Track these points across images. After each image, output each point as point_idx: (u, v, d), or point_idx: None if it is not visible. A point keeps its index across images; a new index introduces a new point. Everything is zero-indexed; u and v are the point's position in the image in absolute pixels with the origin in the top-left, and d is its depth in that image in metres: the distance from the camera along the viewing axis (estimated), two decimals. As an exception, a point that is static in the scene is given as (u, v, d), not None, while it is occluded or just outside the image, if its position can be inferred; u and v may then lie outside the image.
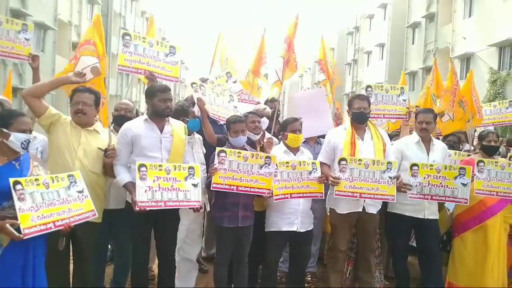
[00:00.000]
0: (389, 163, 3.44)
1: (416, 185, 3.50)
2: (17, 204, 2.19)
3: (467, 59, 18.92)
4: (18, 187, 2.22)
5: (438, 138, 4.30)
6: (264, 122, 4.09)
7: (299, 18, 4.48)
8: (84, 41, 3.64)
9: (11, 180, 2.20)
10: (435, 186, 3.50)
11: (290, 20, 4.59)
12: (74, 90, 3.08)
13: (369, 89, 4.25)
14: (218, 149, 3.29)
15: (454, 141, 4.57)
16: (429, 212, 3.68)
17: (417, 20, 23.72)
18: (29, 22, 3.79)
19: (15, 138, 2.31)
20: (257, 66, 4.80)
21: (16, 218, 2.19)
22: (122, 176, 3.04)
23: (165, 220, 3.12)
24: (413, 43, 24.95)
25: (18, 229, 2.17)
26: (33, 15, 17.62)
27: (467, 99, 4.71)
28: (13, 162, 2.36)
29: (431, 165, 3.52)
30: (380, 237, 4.01)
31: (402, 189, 3.48)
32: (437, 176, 3.49)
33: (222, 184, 3.24)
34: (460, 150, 4.58)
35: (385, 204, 3.79)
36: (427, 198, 3.52)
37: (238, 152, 3.30)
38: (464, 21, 19.13)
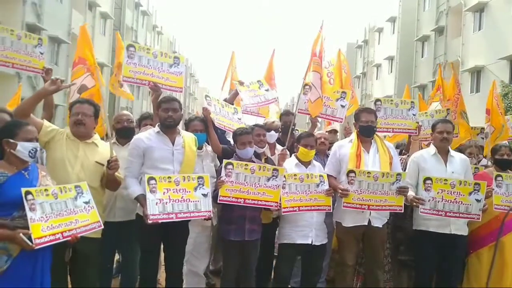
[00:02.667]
0: (398, 174, 3.42)
1: (429, 200, 3.41)
2: (29, 214, 2.21)
3: (477, 73, 18.80)
4: (29, 197, 2.25)
5: None
6: (272, 135, 4.10)
7: (324, 28, 4.22)
8: (77, 60, 3.66)
9: (23, 190, 2.23)
10: (449, 201, 3.40)
11: (314, 33, 4.33)
12: (74, 101, 3.10)
13: (378, 102, 4.25)
14: (225, 161, 3.29)
15: (471, 154, 4.45)
16: (456, 227, 3.53)
17: (426, 34, 23.71)
18: (44, 36, 3.87)
19: (22, 148, 2.33)
20: (269, 83, 4.81)
21: (26, 228, 2.21)
22: (134, 188, 3.04)
23: (175, 233, 3.12)
24: (422, 57, 24.89)
25: (29, 239, 2.18)
26: (47, 29, 18.07)
27: (491, 111, 4.67)
28: (23, 172, 2.38)
29: (445, 180, 3.43)
30: (390, 252, 3.95)
31: (414, 204, 3.42)
32: (451, 191, 3.40)
33: (229, 196, 3.23)
34: (478, 164, 4.51)
35: (393, 218, 3.74)
36: (440, 214, 3.41)
37: (245, 165, 3.29)
38: (474, 34, 19.07)
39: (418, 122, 4.23)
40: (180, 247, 3.24)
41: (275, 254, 3.90)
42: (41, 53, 3.68)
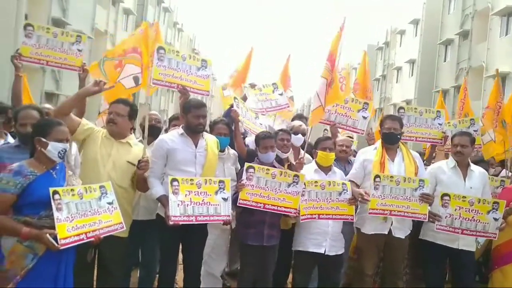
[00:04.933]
0: (421, 180, 3.36)
1: (446, 216, 3.34)
2: (55, 214, 2.24)
3: (502, 79, 18.28)
4: (56, 196, 2.28)
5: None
6: (299, 139, 4.05)
7: (344, 30, 3.84)
8: (131, 49, 3.67)
9: (51, 189, 2.26)
10: (467, 219, 3.34)
11: (332, 34, 3.94)
12: (112, 101, 3.16)
13: (402, 110, 4.16)
14: (246, 164, 3.28)
15: (485, 168, 4.22)
16: (464, 242, 3.49)
17: (450, 37, 23.18)
18: (82, 34, 3.85)
19: (53, 148, 2.36)
20: (283, 86, 4.75)
21: (52, 227, 2.25)
22: (157, 189, 3.07)
23: (194, 235, 3.14)
24: (445, 61, 24.35)
25: (54, 239, 2.22)
26: (72, 24, 18.43)
27: (508, 121, 4.51)
28: (51, 171, 2.42)
29: (464, 197, 3.36)
30: (409, 263, 3.87)
31: (430, 219, 3.35)
32: (469, 209, 3.33)
33: (249, 200, 3.22)
34: (495, 175, 4.39)
35: (416, 230, 3.66)
36: (457, 232, 3.35)
37: (267, 169, 3.28)
38: (500, 39, 18.54)
39: (444, 132, 4.12)
40: (199, 249, 3.26)
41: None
42: (79, 50, 3.68)
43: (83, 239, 2.36)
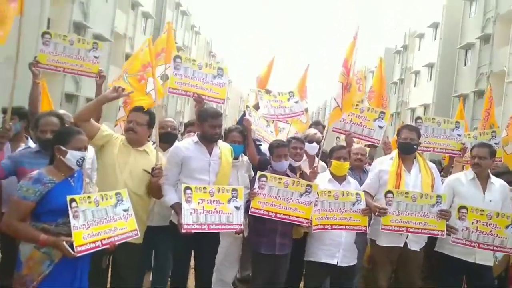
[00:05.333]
0: (438, 196, 3.30)
1: (462, 229, 3.28)
2: (72, 221, 2.29)
3: (524, 85, 17.82)
4: (74, 204, 2.33)
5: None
6: (314, 147, 4.03)
7: (358, 38, 4.00)
8: (147, 64, 3.69)
9: (68, 197, 2.32)
10: (484, 233, 3.26)
11: (347, 41, 4.10)
12: (131, 109, 3.22)
13: (419, 120, 4.09)
14: (259, 173, 3.29)
15: (509, 181, 4.08)
16: (481, 256, 3.40)
17: (471, 41, 22.68)
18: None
19: (72, 156, 2.42)
20: (300, 97, 4.74)
21: (68, 234, 2.30)
22: (170, 196, 3.11)
23: (206, 242, 3.17)
24: (465, 65, 23.86)
25: (70, 246, 2.27)
26: (92, 27, 18.86)
27: None
28: (69, 179, 2.48)
29: (482, 210, 3.28)
30: (421, 275, 3.79)
31: (447, 232, 3.29)
32: (487, 223, 3.26)
33: (260, 209, 3.23)
34: None
35: (431, 242, 3.60)
36: (473, 246, 3.28)
37: (279, 178, 3.28)
38: (524, 44, 18.08)
39: (463, 143, 4.04)
40: (211, 257, 3.28)
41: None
42: (96, 57, 3.76)
43: (98, 246, 2.41)
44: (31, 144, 3.40)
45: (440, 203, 3.27)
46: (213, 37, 44.70)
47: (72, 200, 2.34)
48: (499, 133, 4.38)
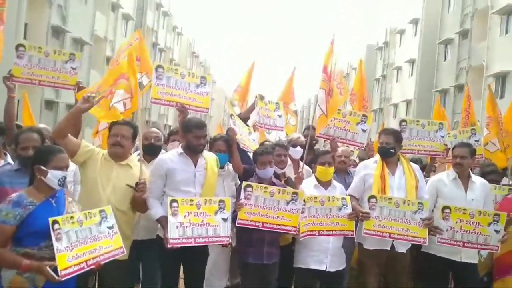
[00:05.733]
0: (420, 203, 3.34)
1: (447, 229, 3.34)
2: (55, 244, 2.24)
3: (502, 78, 18.25)
4: (56, 226, 2.27)
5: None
6: (298, 151, 4.02)
7: (334, 43, 4.11)
8: (119, 75, 3.69)
9: (50, 219, 2.26)
10: (468, 232, 3.33)
11: (325, 47, 4.19)
12: (113, 122, 3.16)
13: (404, 123, 4.16)
14: (244, 183, 3.28)
15: (496, 180, 4.16)
16: (466, 255, 3.48)
17: (450, 37, 23.14)
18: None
19: (53, 176, 2.37)
20: (287, 99, 4.77)
21: (52, 258, 2.25)
22: (156, 210, 3.07)
23: (195, 255, 3.14)
24: (445, 60, 24.32)
25: (54, 270, 2.22)
26: (72, 31, 18.49)
27: (509, 130, 4.49)
28: (50, 200, 2.42)
29: (464, 209, 3.35)
30: (411, 276, 3.86)
31: (431, 232, 3.35)
32: (470, 221, 3.32)
33: (248, 220, 3.22)
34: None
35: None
36: (458, 245, 3.34)
37: (265, 187, 3.27)
38: (500, 38, 18.50)
39: (446, 144, 4.11)
40: (199, 270, 3.26)
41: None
42: (73, 68, 3.68)
43: (83, 268, 2.36)
44: (10, 160, 3.30)
45: (422, 210, 3.31)
46: (195, 37, 44.44)
47: (55, 222, 2.28)
48: (479, 130, 4.46)
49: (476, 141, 4.34)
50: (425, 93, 24.96)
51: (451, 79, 22.58)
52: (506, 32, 18.22)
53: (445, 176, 3.72)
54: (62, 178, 2.40)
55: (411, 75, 27.72)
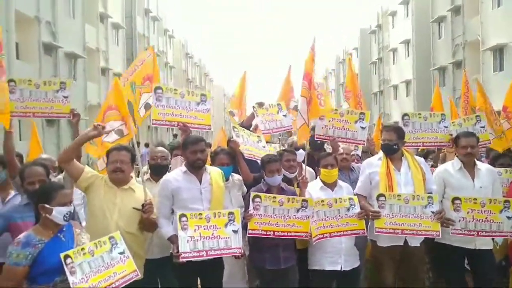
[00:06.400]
0: (429, 197, 3.33)
1: (459, 220, 3.34)
2: (70, 279, 2.26)
3: (499, 51, 18.11)
4: (68, 260, 2.29)
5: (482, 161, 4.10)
6: (301, 154, 4.02)
7: (315, 48, 4.04)
8: (106, 108, 3.65)
9: (62, 255, 2.27)
10: (480, 221, 3.32)
11: (305, 54, 4.10)
12: (110, 148, 3.17)
13: (406, 117, 4.11)
14: (252, 194, 3.27)
15: (508, 163, 4.16)
16: (481, 242, 3.46)
17: (442, 14, 22.94)
18: (65, 79, 3.84)
19: (58, 213, 2.39)
20: (286, 99, 4.75)
21: None
22: (166, 229, 3.09)
23: (210, 268, 3.15)
24: (439, 38, 24.14)
25: None
26: (63, 46, 18.42)
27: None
28: (59, 235, 2.44)
29: (474, 199, 3.34)
30: (430, 266, 3.85)
31: (444, 224, 3.34)
32: (481, 210, 3.32)
33: (258, 229, 3.22)
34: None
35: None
36: (472, 235, 3.34)
37: (274, 197, 3.27)
38: (493, 11, 18.31)
39: (451, 134, 4.06)
40: (217, 281, 3.27)
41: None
42: (65, 97, 3.68)
43: None
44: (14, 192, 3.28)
45: (432, 204, 3.31)
46: (187, 38, 44.19)
47: (67, 256, 2.30)
48: (483, 117, 4.43)
49: (482, 127, 4.33)
50: (423, 72, 24.84)
51: (448, 56, 22.44)
52: (499, 5, 18.03)
53: (451, 166, 3.68)
54: (67, 214, 2.42)
55: (408, 55, 27.59)
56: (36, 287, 2.30)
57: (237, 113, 5.36)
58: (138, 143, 4.21)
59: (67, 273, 2.26)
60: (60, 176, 3.67)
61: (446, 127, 4.09)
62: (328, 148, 4.39)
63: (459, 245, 3.47)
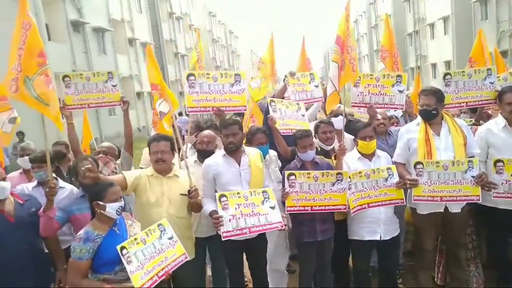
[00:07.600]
0: (469, 161, 3.21)
1: (502, 183, 3.22)
2: (127, 267, 2.47)
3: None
4: (124, 251, 2.50)
5: None
6: (339, 120, 3.92)
7: (350, 9, 3.79)
8: (152, 86, 3.81)
9: (118, 247, 2.48)
10: None
11: (339, 15, 3.89)
12: (150, 138, 3.30)
13: (448, 77, 3.82)
14: (286, 173, 3.31)
15: None
16: None
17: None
18: (113, 70, 4.03)
19: (110, 208, 2.59)
20: (304, 69, 4.60)
21: (127, 278, 2.50)
22: (208, 206, 3.21)
23: (255, 244, 3.29)
24: (482, 19, 21.69)
25: None
26: (90, 22, 18.63)
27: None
28: (113, 228, 2.66)
29: None
30: (474, 229, 3.80)
31: (486, 188, 3.24)
32: None
33: (296, 206, 3.29)
34: None
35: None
36: None
37: (308, 173, 3.29)
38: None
39: (497, 90, 3.73)
40: (262, 256, 3.42)
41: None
42: (114, 86, 3.85)
43: (156, 281, 2.58)
44: (61, 183, 3.47)
45: (472, 168, 3.20)
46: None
47: (122, 248, 2.50)
48: None
49: None
50: (463, 6, 22.83)
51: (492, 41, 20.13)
52: None
53: (494, 125, 3.52)
54: (119, 208, 2.62)
55: (446, 33, 25.28)
56: (100, 275, 2.54)
57: (271, 80, 5.18)
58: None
59: (124, 263, 2.47)
60: (118, 162, 3.93)
61: (492, 83, 3.77)
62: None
63: (504, 207, 3.37)
